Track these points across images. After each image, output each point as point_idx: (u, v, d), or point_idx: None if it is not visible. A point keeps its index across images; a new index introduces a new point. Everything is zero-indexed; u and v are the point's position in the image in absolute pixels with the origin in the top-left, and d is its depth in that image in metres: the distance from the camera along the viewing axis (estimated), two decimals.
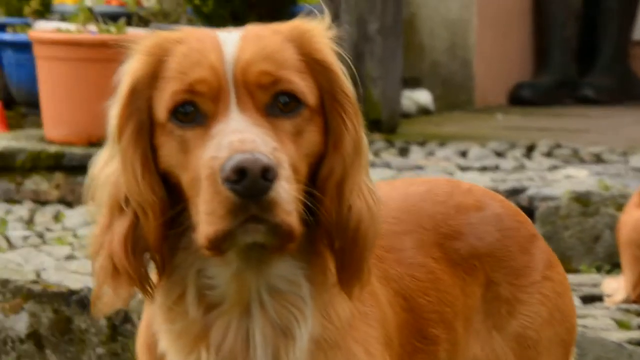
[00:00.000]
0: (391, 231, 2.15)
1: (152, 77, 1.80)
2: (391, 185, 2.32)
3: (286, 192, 1.70)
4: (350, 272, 1.86)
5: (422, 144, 6.10)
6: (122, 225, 1.79)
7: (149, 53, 1.81)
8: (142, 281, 1.81)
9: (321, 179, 1.82)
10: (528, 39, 8.59)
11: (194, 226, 1.74)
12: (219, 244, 1.71)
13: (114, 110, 1.81)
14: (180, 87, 1.75)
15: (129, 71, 1.81)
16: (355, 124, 1.86)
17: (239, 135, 1.69)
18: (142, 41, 1.83)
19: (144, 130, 1.79)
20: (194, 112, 1.75)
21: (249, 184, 1.66)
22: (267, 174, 1.67)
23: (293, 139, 1.77)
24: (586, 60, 8.63)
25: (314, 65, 1.82)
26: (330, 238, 1.83)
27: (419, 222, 2.21)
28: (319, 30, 1.85)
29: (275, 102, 1.77)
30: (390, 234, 2.14)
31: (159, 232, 1.79)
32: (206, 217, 1.69)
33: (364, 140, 1.89)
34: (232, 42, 1.79)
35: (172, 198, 1.80)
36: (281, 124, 1.77)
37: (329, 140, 1.84)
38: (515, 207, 2.39)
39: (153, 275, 1.84)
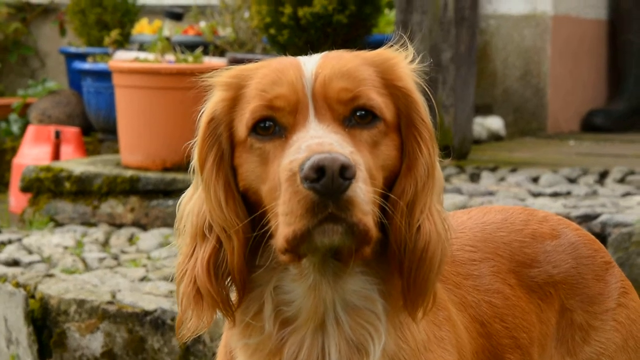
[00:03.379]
0: (468, 258, 2.16)
1: (232, 104, 1.86)
2: (467, 214, 2.33)
3: (363, 193, 1.73)
4: (415, 294, 1.86)
5: (493, 169, 6.06)
6: (205, 251, 1.83)
7: (228, 83, 1.86)
8: (225, 304, 1.84)
9: (393, 198, 1.84)
10: (601, 66, 8.51)
11: (273, 234, 1.78)
12: (297, 245, 1.73)
13: (196, 143, 1.88)
14: (260, 103, 1.81)
15: (209, 103, 1.87)
16: (430, 150, 1.89)
17: (317, 140, 1.75)
18: (221, 73, 1.89)
19: (225, 156, 1.85)
20: (273, 126, 1.80)
21: (327, 181, 1.69)
22: (345, 173, 1.70)
23: (369, 148, 1.81)
24: None
25: (394, 90, 1.87)
26: (398, 257, 1.85)
27: (495, 250, 2.22)
28: (400, 58, 1.90)
29: (352, 116, 1.82)
30: (467, 261, 2.15)
31: (243, 254, 1.83)
32: (284, 218, 1.73)
33: (438, 166, 1.91)
34: (312, 61, 1.85)
35: (252, 218, 1.84)
36: (358, 133, 1.81)
37: (403, 162, 1.87)
38: (590, 235, 2.39)
39: (233, 297, 1.88)
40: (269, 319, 1.84)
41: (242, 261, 1.83)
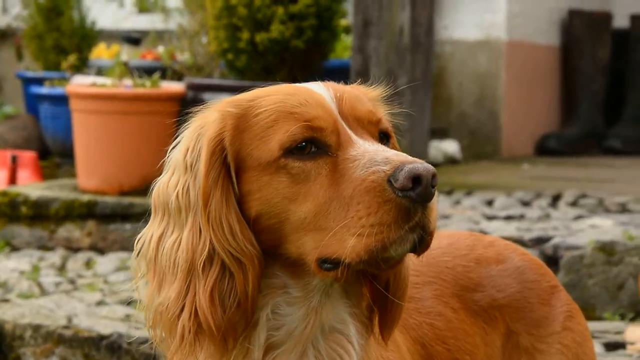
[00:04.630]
0: (411, 282, 2.17)
1: (237, 132, 1.85)
2: None
3: (437, 202, 1.78)
4: (392, 319, 1.91)
5: (449, 193, 6.09)
6: (207, 284, 1.80)
7: (229, 113, 1.86)
8: (232, 334, 1.81)
9: None
10: (555, 91, 8.60)
11: (308, 254, 1.77)
12: (376, 256, 1.74)
13: (176, 179, 1.84)
14: (298, 124, 1.81)
15: (207, 136, 1.85)
16: None
17: (388, 153, 1.78)
18: (216, 105, 1.88)
19: (232, 186, 1.83)
20: (310, 145, 1.81)
21: (423, 190, 1.73)
22: (434, 181, 1.75)
23: None
24: (613, 111, 8.63)
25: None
26: (376, 283, 1.88)
27: (438, 275, 2.24)
28: (377, 93, 1.96)
29: (378, 137, 1.88)
30: (410, 285, 2.16)
31: (258, 281, 1.81)
32: (370, 229, 1.73)
33: None
34: (319, 87, 1.89)
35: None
36: None
37: None
38: (537, 260, 2.41)
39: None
40: (259, 345, 1.83)
41: (257, 288, 1.81)
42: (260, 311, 1.84)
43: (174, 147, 1.89)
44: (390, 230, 1.73)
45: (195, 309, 1.79)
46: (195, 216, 1.82)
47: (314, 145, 1.81)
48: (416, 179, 1.72)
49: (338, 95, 1.86)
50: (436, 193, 1.75)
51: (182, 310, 1.81)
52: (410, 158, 1.76)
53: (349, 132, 1.82)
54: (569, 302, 2.39)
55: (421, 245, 1.76)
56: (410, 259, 2.12)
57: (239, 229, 1.81)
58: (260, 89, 1.91)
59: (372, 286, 1.89)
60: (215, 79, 6.35)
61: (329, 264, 1.77)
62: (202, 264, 1.81)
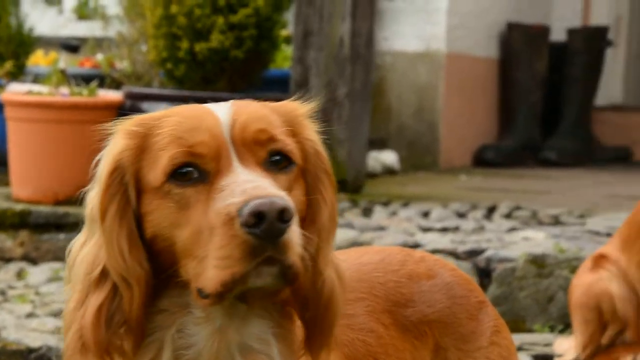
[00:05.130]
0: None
1: (139, 152, 1.84)
2: (346, 254, 2.36)
3: (297, 235, 1.75)
4: (320, 340, 1.89)
5: (385, 204, 6.12)
6: (96, 301, 1.80)
7: (133, 131, 1.86)
8: (117, 353, 1.83)
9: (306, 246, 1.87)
10: (493, 102, 8.69)
11: (193, 278, 1.76)
12: (231, 288, 1.73)
13: (95, 191, 1.85)
14: (179, 150, 1.80)
15: (112, 152, 1.85)
16: (332, 199, 1.93)
17: (251, 184, 1.75)
18: (124, 122, 1.88)
19: (129, 205, 1.83)
20: (193, 172, 1.80)
21: (266, 227, 1.71)
22: (283, 216, 1.72)
23: (287, 193, 1.81)
24: (549, 124, 8.74)
25: (300, 139, 1.91)
26: (302, 306, 1.88)
27: (370, 290, 2.26)
28: (304, 110, 1.94)
29: (270, 159, 1.83)
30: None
31: (143, 301, 1.81)
32: (221, 262, 1.72)
33: (337, 215, 1.96)
34: (224, 109, 1.86)
35: (155, 264, 1.83)
36: (278, 178, 1.82)
37: (307, 210, 1.90)
38: (465, 276, 2.44)
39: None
40: None
41: (142, 309, 1.82)
42: (167, 330, 1.84)
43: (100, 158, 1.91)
44: (239, 265, 1.72)
45: (82, 327, 1.81)
46: (98, 231, 1.84)
47: (196, 172, 1.81)
48: (259, 215, 1.70)
49: (235, 117, 1.84)
50: (293, 227, 1.73)
51: (72, 324, 1.83)
52: (263, 192, 1.73)
53: (233, 158, 1.81)
54: (496, 317, 2.42)
55: (286, 277, 1.75)
56: (345, 275, 2.13)
57: (128, 248, 1.81)
58: (170, 108, 1.91)
59: (299, 306, 1.89)
60: (154, 88, 6.32)
61: (202, 292, 1.78)
62: (96, 279, 1.82)
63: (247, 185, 1.75)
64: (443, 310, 2.32)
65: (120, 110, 5.70)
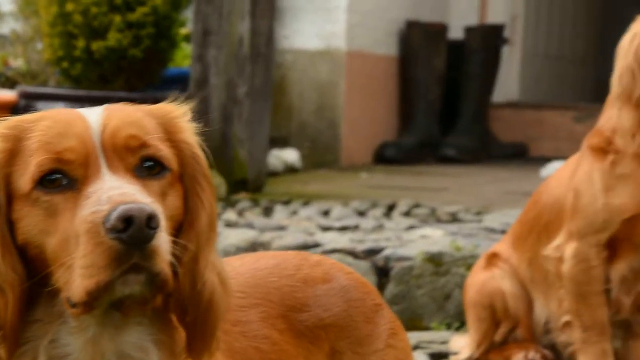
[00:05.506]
0: (238, 305, 2.18)
1: (10, 156, 1.81)
2: (241, 259, 2.36)
3: (165, 242, 1.73)
4: (201, 344, 1.88)
5: (286, 203, 6.14)
6: None
7: (5, 134, 1.83)
8: None
9: (177, 254, 1.85)
10: (394, 101, 8.76)
11: (63, 287, 1.74)
12: (97, 297, 1.71)
13: None
14: (46, 156, 1.77)
15: None
16: (212, 203, 1.92)
17: (118, 190, 1.73)
18: (3, 123, 1.85)
19: (1, 210, 1.81)
20: (61, 178, 1.77)
21: (134, 232, 1.69)
22: (151, 222, 1.70)
23: (159, 199, 1.80)
24: (448, 121, 8.86)
25: (176, 143, 1.89)
26: (182, 310, 1.86)
27: (265, 296, 2.25)
28: (181, 112, 1.92)
29: (142, 165, 1.81)
30: (236, 308, 2.17)
31: (18, 308, 1.79)
32: (86, 271, 1.70)
33: (217, 218, 1.94)
34: (96, 113, 1.83)
35: (29, 271, 1.82)
36: (149, 184, 1.80)
37: (186, 215, 1.89)
38: (361, 279, 2.45)
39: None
40: None
41: (17, 315, 1.79)
42: (41, 340, 1.82)
43: None
44: (103, 273, 1.70)
45: None
46: None
47: (64, 178, 1.79)
48: (128, 220, 1.69)
49: (106, 122, 1.82)
50: (160, 234, 1.72)
51: None
52: (130, 198, 1.72)
53: (102, 164, 1.79)
54: (392, 320, 2.44)
55: (154, 285, 1.74)
56: (235, 281, 2.13)
57: (1, 254, 1.79)
58: (42, 112, 1.89)
59: (179, 311, 1.88)
60: (49, 87, 6.23)
61: (70, 301, 1.76)
62: None
63: (113, 192, 1.73)
64: (339, 314, 2.34)
65: (14, 110, 5.60)
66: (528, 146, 8.98)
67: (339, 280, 2.36)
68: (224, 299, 1.89)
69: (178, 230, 1.86)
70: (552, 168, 7.17)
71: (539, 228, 3.36)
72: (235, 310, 2.16)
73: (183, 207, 1.88)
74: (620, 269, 3.17)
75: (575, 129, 8.63)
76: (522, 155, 8.95)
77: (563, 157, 7.89)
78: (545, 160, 7.95)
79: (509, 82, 9.26)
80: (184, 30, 6.82)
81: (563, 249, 3.24)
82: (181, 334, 1.89)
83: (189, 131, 1.91)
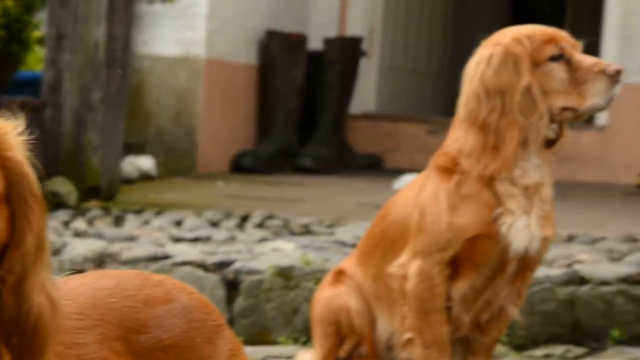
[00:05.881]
0: (74, 327, 2.14)
1: None
2: (81, 279, 2.31)
3: None
4: None
5: (139, 212, 6.05)
6: None
7: None
8: None
9: (1, 274, 1.81)
10: (253, 110, 8.76)
11: None
12: None
13: None
14: None
15: None
16: (40, 223, 1.87)
17: None
18: None
19: None
20: None
21: None
22: None
23: None
24: (306, 131, 8.91)
25: (4, 162, 1.83)
26: (7, 332, 1.83)
27: (104, 317, 2.22)
28: (9, 129, 1.87)
29: None
30: (72, 330, 2.13)
31: None
32: None
33: (47, 238, 1.90)
34: None
35: None
36: None
37: (13, 236, 1.84)
38: (204, 299, 2.44)
39: None
40: None
41: None
42: None
43: None
44: None
45: None
46: None
47: None
48: None
49: None
50: None
51: None
52: None
53: None
54: (232, 341, 2.44)
55: None
56: (73, 302, 2.09)
57: None
58: None
59: (4, 333, 1.84)
60: None
61: None
62: None
63: None
64: (180, 335, 2.32)
65: None
66: (383, 158, 9.10)
67: (180, 300, 2.35)
68: (52, 321, 1.85)
69: (3, 252, 1.82)
70: (405, 180, 7.28)
71: (384, 244, 3.40)
72: (72, 333, 2.12)
73: (8, 229, 1.83)
74: (461, 287, 3.23)
75: (429, 141, 8.79)
76: (377, 167, 9.07)
77: (417, 169, 8.03)
78: (400, 172, 8.07)
79: (366, 94, 9.37)
80: (37, 33, 6.68)
81: (408, 266, 3.29)
82: (6, 357, 1.85)
83: (19, 148, 1.85)
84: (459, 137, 3.25)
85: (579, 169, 8.41)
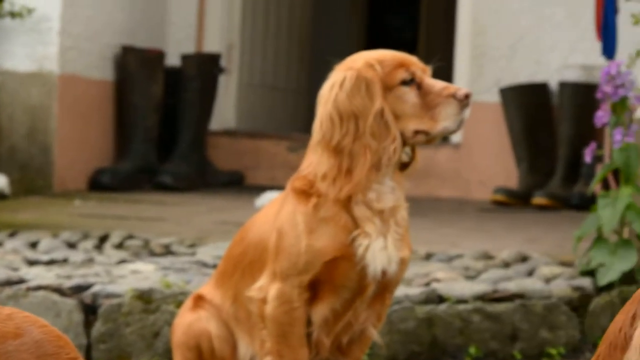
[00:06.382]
0: None
1: None
2: None
3: None
4: None
5: None
6: None
7: None
8: None
9: None
10: (110, 126, 8.65)
11: None
12: None
13: None
14: None
15: None
16: None
17: None
18: None
19: None
20: None
21: None
22: None
23: None
24: (166, 147, 8.85)
25: None
26: None
27: None
28: None
29: None
30: None
31: None
32: None
33: None
34: None
35: None
36: None
37: None
38: (56, 332, 2.41)
39: None
40: None
41: None
42: None
43: None
44: None
45: None
46: None
47: None
48: None
49: None
50: None
51: None
52: None
53: None
54: None
55: None
56: None
57: None
58: None
59: None
60: None
61: None
62: None
63: None
64: None
65: None
66: (245, 175, 9.11)
67: (31, 334, 2.31)
68: None
69: None
70: (266, 198, 7.31)
71: (243, 266, 3.41)
72: None
73: None
74: (321, 310, 3.27)
75: (289, 158, 8.84)
76: (239, 184, 9.07)
77: (278, 186, 8.06)
78: (261, 189, 8.09)
79: (226, 110, 9.37)
80: None
81: (266, 289, 3.30)
82: None
83: None
84: (314, 161, 3.29)
85: (436, 186, 8.58)
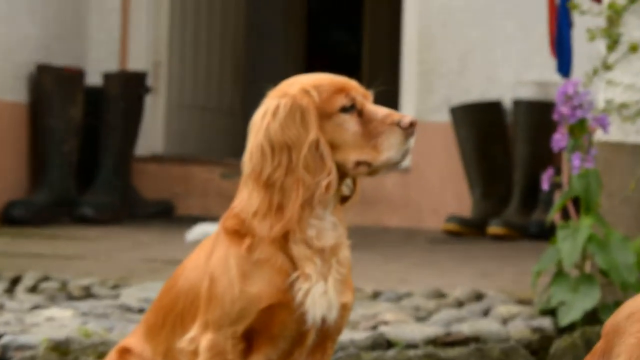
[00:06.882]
0: None
1: None
2: None
3: None
4: None
5: None
6: None
7: None
8: None
9: None
10: (23, 153, 8.55)
11: None
12: None
13: None
14: None
15: None
16: None
17: None
18: None
19: None
20: None
21: None
22: None
23: None
24: (87, 176, 8.75)
25: None
26: None
27: None
28: None
29: None
30: None
31: None
32: None
33: None
34: None
35: None
36: None
37: None
38: None
39: None
40: None
41: None
42: None
43: None
44: None
45: None
46: None
47: None
48: None
49: None
50: None
51: None
52: None
53: None
54: None
55: None
56: None
57: None
58: None
59: None
60: None
61: None
62: None
63: None
64: None
65: None
66: (175, 204, 9.04)
67: None
68: None
69: None
70: (198, 231, 7.25)
71: (174, 317, 3.36)
72: None
73: None
74: None
75: (222, 185, 8.79)
76: (168, 214, 9.00)
77: (211, 215, 8.00)
78: (193, 220, 8.03)
79: (153, 133, 9.30)
80: None
81: (198, 340, 3.25)
82: None
83: None
84: (245, 197, 3.25)
85: (384, 214, 8.56)
